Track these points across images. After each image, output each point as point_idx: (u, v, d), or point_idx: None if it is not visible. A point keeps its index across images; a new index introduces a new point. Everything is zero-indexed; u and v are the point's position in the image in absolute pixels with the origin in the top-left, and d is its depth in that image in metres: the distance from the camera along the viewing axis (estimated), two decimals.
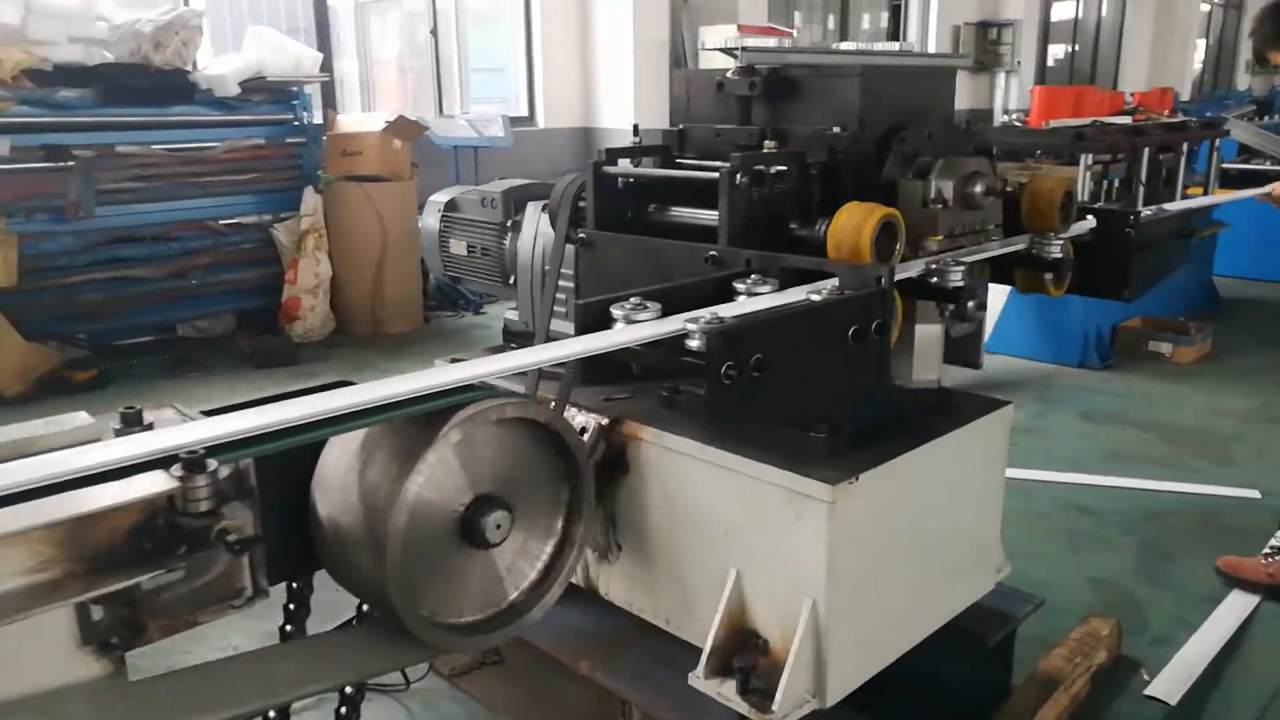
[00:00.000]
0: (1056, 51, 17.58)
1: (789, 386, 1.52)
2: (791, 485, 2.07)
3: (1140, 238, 2.45)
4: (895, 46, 2.22)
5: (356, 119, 7.60)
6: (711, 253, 1.96)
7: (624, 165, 2.16)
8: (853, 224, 1.82)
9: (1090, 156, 6.05)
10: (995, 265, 2.30)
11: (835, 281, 1.73)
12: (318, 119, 7.37)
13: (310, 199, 7.00)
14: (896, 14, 14.18)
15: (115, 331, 6.67)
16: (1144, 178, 6.67)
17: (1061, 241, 2.25)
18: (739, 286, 1.75)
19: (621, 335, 1.47)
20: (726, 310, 1.51)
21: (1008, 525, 4.07)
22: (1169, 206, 2.74)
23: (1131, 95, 7.71)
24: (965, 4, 14.37)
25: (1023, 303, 6.00)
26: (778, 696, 2.09)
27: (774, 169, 1.97)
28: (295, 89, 7.15)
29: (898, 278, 1.92)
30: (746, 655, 2.20)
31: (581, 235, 2.24)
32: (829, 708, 2.16)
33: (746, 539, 2.23)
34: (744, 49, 1.91)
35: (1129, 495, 4.31)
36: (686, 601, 2.38)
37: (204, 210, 6.77)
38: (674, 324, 1.44)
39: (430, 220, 3.01)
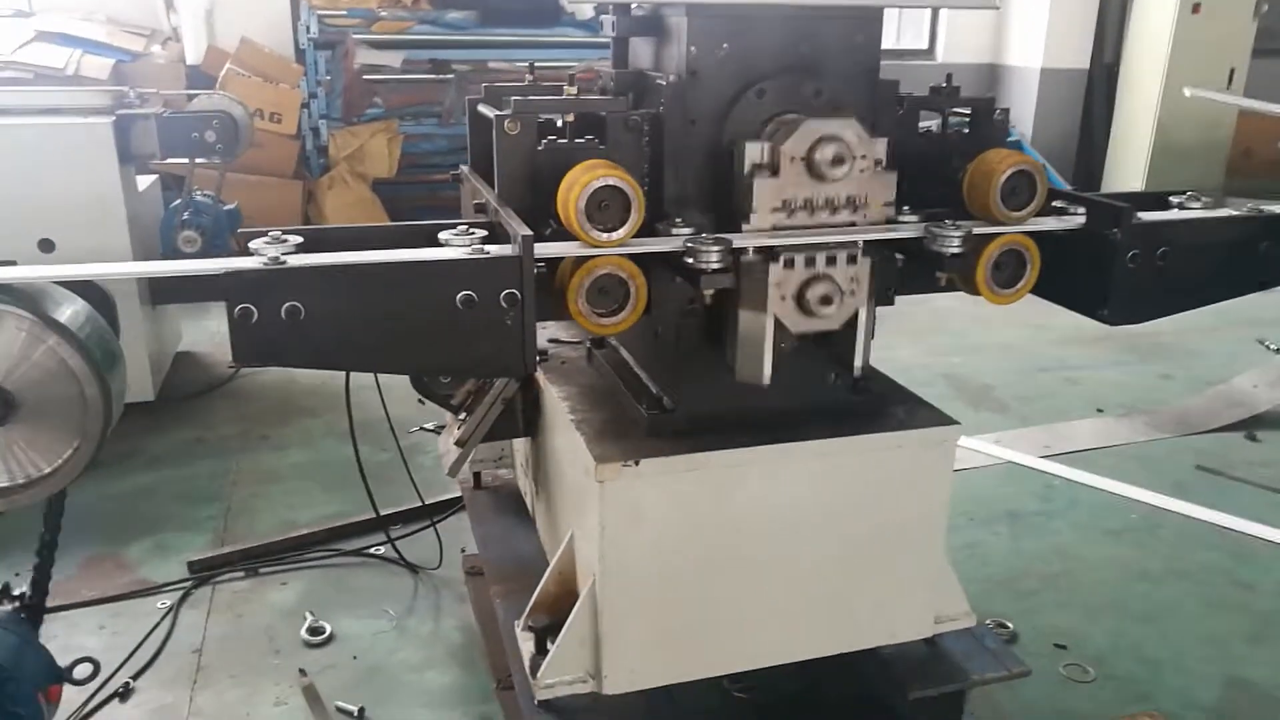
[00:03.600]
0: None
1: (350, 340, 1.47)
2: (585, 458, 1.98)
3: (1132, 244, 1.83)
4: None
5: None
6: (477, 200, 1.90)
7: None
8: (565, 186, 1.64)
9: None
10: (918, 261, 1.89)
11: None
12: None
13: None
14: None
15: None
16: None
17: (959, 233, 1.77)
18: (441, 236, 1.70)
19: (186, 265, 1.54)
20: (296, 258, 1.49)
21: (1196, 584, 3.23)
22: (1225, 211, 1.94)
23: None
24: None
25: None
26: (542, 666, 2.04)
27: (564, 120, 1.83)
28: None
29: (642, 250, 1.71)
30: (548, 616, 2.16)
31: (454, 172, 2.26)
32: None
33: (577, 502, 2.16)
34: None
35: None
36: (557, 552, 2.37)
37: None
38: (227, 263, 1.47)
39: None
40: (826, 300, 1.83)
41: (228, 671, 2.81)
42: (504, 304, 1.55)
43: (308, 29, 6.88)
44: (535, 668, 2.08)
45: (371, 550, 3.38)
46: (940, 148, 2.04)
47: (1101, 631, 2.99)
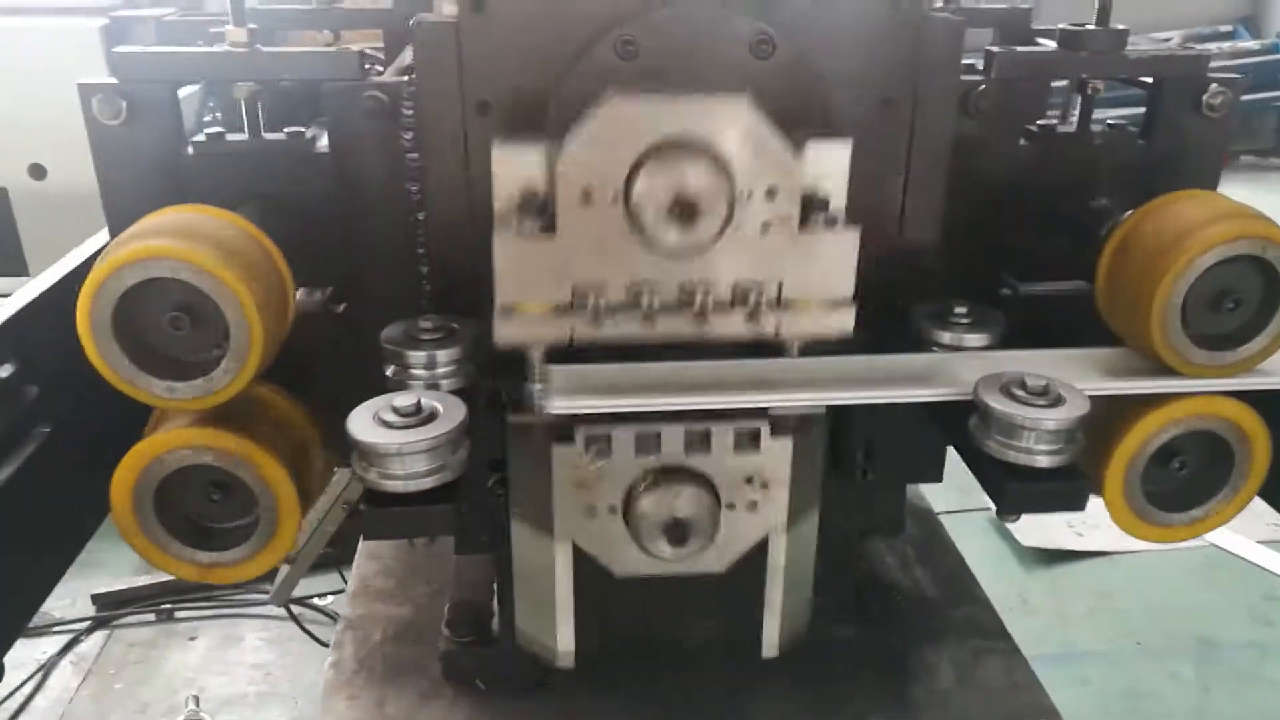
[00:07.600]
0: None
1: None
2: None
3: None
4: None
5: None
6: None
7: None
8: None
9: None
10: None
11: None
12: None
13: None
14: None
15: None
16: None
17: (1055, 424, 0.72)
18: None
19: None
20: None
21: None
22: None
23: None
24: None
25: None
26: None
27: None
28: None
29: None
30: None
31: None
32: None
33: None
34: None
35: None
36: None
37: None
38: None
39: None
40: (676, 528, 0.83)
41: None
42: None
43: None
44: None
45: (312, 601, 2.66)
46: (1072, 164, 0.96)
47: None
